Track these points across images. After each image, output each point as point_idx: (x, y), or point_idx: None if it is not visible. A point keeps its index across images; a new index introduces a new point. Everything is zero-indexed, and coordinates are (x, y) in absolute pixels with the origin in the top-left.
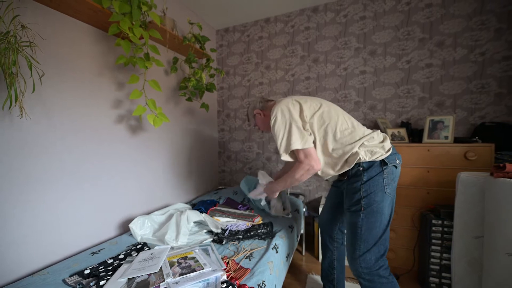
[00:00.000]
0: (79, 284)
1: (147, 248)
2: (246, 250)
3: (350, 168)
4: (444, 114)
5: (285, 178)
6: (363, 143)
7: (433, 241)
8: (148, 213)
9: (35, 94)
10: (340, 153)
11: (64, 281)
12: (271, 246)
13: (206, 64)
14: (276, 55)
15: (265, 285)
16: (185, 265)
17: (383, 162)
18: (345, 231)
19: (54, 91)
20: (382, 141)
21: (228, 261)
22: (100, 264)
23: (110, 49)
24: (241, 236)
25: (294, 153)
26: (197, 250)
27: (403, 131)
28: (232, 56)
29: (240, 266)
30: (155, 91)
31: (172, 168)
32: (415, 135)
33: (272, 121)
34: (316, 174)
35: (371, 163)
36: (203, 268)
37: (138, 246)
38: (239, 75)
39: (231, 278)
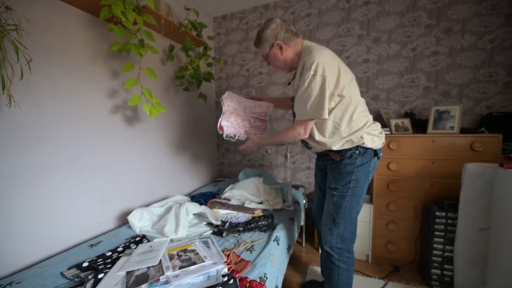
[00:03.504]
0: (77, 277)
1: (146, 241)
2: (247, 243)
3: (348, 148)
4: (450, 104)
5: (274, 136)
6: (368, 129)
7: (436, 233)
8: (147, 205)
9: (24, 82)
10: (347, 132)
11: (62, 274)
12: (272, 238)
13: (204, 53)
14: None
15: (266, 278)
16: (185, 258)
17: (374, 152)
18: (324, 208)
19: (44, 78)
20: (380, 133)
21: (229, 254)
22: (98, 257)
23: (103, 35)
24: (241, 229)
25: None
26: (197, 243)
27: (407, 122)
28: (230, 44)
29: (241, 258)
30: (151, 80)
31: (171, 160)
32: (419, 126)
33: (310, 75)
34: (306, 144)
35: (367, 150)
36: (204, 261)
37: (137, 239)
38: (238, 64)
39: (232, 271)
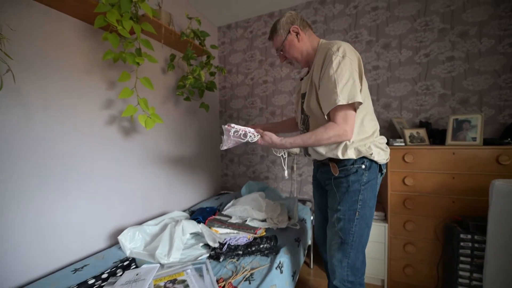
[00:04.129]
0: None
1: (134, 266)
2: (246, 270)
3: (353, 160)
4: (469, 112)
5: (309, 135)
6: (376, 140)
7: (461, 258)
8: (143, 222)
9: (13, 92)
10: (355, 138)
11: None
12: (275, 265)
13: (207, 62)
14: None
15: None
16: None
17: (380, 167)
18: (328, 234)
19: (35, 89)
20: (386, 147)
21: (224, 285)
22: (79, 286)
23: (99, 45)
24: (241, 252)
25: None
26: (189, 271)
27: (422, 132)
28: (235, 53)
29: None
30: (150, 90)
31: (170, 173)
32: (436, 136)
33: (339, 56)
34: (305, 148)
35: (372, 164)
36: None
37: (125, 263)
38: (242, 73)
39: None
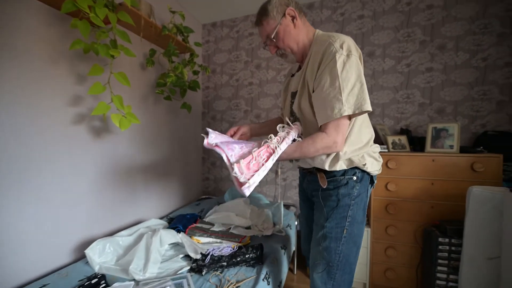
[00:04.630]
0: None
1: (104, 284)
2: (231, 284)
3: (343, 171)
4: (445, 121)
5: (293, 147)
6: (370, 150)
7: (439, 261)
8: (115, 232)
9: None
10: (349, 147)
11: None
12: (262, 276)
13: (190, 60)
14: (267, 53)
15: None
16: None
17: (371, 178)
18: (311, 252)
19: None
20: (379, 157)
21: None
22: None
23: (68, 33)
24: (225, 263)
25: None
26: (168, 287)
27: (404, 139)
28: (220, 53)
29: None
30: (125, 87)
31: (147, 176)
32: (415, 143)
33: (343, 56)
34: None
35: (364, 176)
36: None
37: (94, 281)
38: (227, 74)
39: None
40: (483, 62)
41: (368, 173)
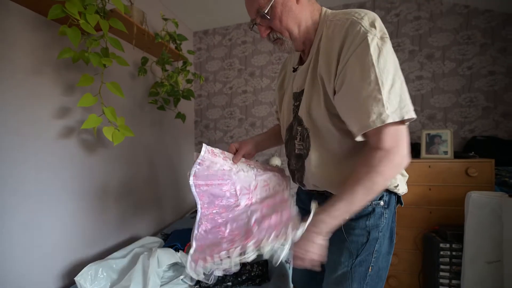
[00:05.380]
0: None
1: None
2: None
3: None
4: (436, 127)
5: (349, 190)
6: None
7: (441, 266)
8: (105, 252)
9: None
10: None
11: None
12: None
13: (183, 68)
14: (261, 61)
15: None
16: None
17: (398, 199)
18: None
19: None
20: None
21: None
22: None
23: (54, 40)
24: (230, 283)
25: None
26: None
27: None
28: (212, 60)
29: None
30: (115, 98)
31: (139, 191)
32: (410, 149)
33: (376, 38)
34: (302, 169)
35: (391, 198)
36: None
37: None
38: (220, 82)
39: None
40: (469, 70)
41: (395, 194)
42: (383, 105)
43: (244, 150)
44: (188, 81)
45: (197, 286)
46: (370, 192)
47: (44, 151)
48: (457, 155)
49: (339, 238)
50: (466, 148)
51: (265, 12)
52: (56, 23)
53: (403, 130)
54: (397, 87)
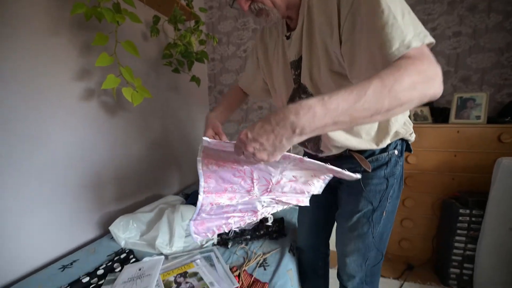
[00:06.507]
0: None
1: (133, 259)
2: (258, 256)
3: (387, 144)
4: (470, 90)
5: (371, 79)
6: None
7: (458, 231)
8: (132, 206)
9: None
10: (403, 116)
11: None
12: (287, 248)
13: (195, 27)
14: None
15: None
16: (187, 286)
17: (407, 145)
18: (341, 238)
19: None
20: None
21: (239, 273)
22: (71, 285)
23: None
24: (249, 237)
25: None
26: (198, 261)
27: (426, 110)
28: (225, 20)
29: (255, 279)
30: (130, 58)
31: (158, 152)
32: (437, 115)
33: None
34: (317, 139)
35: (403, 145)
36: None
37: (122, 256)
38: (234, 44)
39: None
40: None
41: (407, 141)
42: (402, 31)
43: (216, 128)
44: (201, 42)
45: (218, 238)
46: (384, 95)
47: (67, 112)
48: (490, 120)
49: (357, 190)
50: (502, 113)
51: None
52: None
53: (429, 52)
54: (406, 17)
